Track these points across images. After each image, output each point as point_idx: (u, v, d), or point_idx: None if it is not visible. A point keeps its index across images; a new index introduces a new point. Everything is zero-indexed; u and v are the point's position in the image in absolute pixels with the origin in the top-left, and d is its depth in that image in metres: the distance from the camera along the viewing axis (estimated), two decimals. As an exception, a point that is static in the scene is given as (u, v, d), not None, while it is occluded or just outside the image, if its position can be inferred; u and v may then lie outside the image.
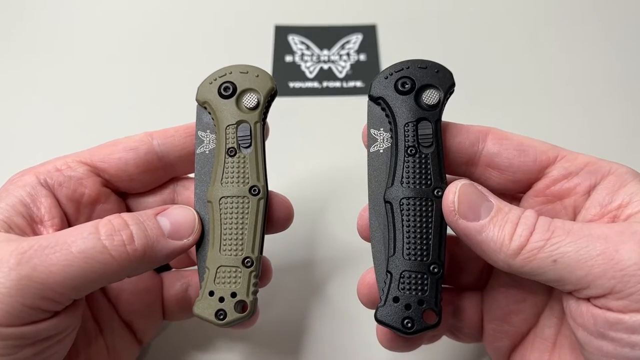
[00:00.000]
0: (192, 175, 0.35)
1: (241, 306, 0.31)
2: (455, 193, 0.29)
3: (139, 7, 0.64)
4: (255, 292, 0.31)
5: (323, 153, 0.52)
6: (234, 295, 0.31)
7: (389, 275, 0.30)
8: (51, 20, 0.63)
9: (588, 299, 0.26)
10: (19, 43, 0.61)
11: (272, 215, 0.34)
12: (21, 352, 0.27)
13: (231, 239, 0.31)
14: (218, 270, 0.31)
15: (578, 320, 0.27)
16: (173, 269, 0.40)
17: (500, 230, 0.27)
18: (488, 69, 0.58)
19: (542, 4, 0.64)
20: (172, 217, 0.31)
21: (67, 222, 0.32)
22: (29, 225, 0.30)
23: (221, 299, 0.31)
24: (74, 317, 0.29)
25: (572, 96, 0.56)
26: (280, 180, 0.49)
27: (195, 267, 0.40)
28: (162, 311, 0.38)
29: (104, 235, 0.28)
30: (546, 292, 0.33)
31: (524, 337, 0.34)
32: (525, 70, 0.58)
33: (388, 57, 0.60)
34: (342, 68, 0.59)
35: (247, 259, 0.31)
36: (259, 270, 0.32)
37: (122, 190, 0.35)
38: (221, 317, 0.30)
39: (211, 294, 0.31)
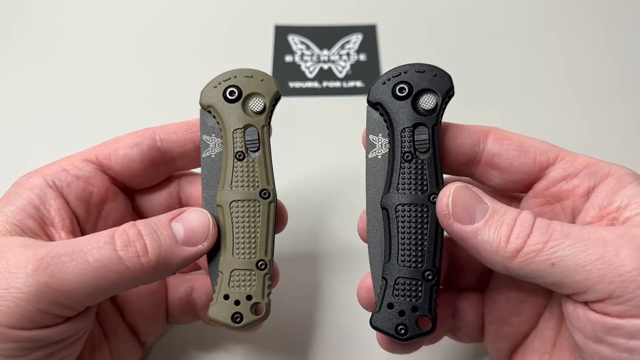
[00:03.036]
0: (195, 170, 0.35)
1: (255, 308, 0.31)
2: (449, 196, 0.29)
3: (140, 6, 0.64)
4: (269, 294, 0.32)
5: (323, 153, 0.52)
6: (249, 298, 0.31)
7: (384, 281, 0.30)
8: (51, 21, 0.63)
9: (586, 303, 0.26)
10: (18, 43, 0.61)
11: None
12: (33, 354, 0.27)
13: (244, 243, 0.32)
14: (232, 274, 0.31)
15: (576, 324, 0.27)
16: (176, 273, 0.40)
17: (496, 232, 0.27)
18: (488, 69, 0.58)
19: (543, 5, 0.64)
20: (186, 222, 0.31)
21: (77, 222, 0.32)
22: (41, 228, 0.30)
23: (237, 302, 0.31)
24: (86, 322, 0.29)
25: (572, 97, 0.56)
26: (280, 180, 0.49)
27: (199, 271, 0.40)
28: (166, 314, 0.38)
29: (120, 245, 0.28)
30: (546, 294, 0.33)
31: (524, 338, 0.34)
32: (525, 71, 0.58)
33: (388, 57, 0.59)
34: (342, 68, 0.59)
35: (261, 262, 0.32)
36: (272, 272, 0.32)
37: (127, 187, 0.36)
38: (237, 320, 0.31)
39: (226, 297, 0.31)
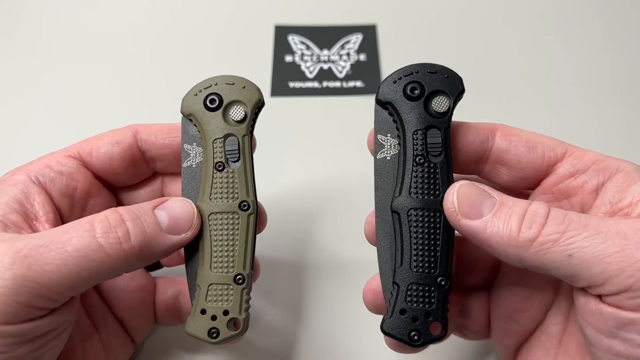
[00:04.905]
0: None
1: (233, 323, 0.31)
2: (453, 193, 0.28)
3: (139, 6, 0.64)
4: (247, 309, 0.31)
5: (323, 153, 0.52)
6: (226, 313, 0.30)
7: (395, 286, 0.30)
8: (47, 22, 0.62)
9: (599, 296, 0.26)
10: (11, 45, 0.60)
11: None
12: (20, 349, 0.27)
13: (222, 256, 0.31)
14: (209, 288, 0.31)
15: (587, 318, 0.27)
16: (164, 268, 0.40)
17: (505, 223, 0.27)
18: (488, 69, 0.58)
19: (544, 4, 0.64)
20: (170, 210, 0.31)
21: (60, 218, 0.32)
22: (25, 222, 0.30)
23: (213, 317, 0.30)
24: (70, 313, 0.29)
25: (575, 95, 0.56)
26: (279, 181, 0.49)
27: None
28: (154, 313, 0.38)
29: (99, 232, 0.28)
30: (553, 289, 0.32)
31: (531, 334, 0.34)
32: (526, 69, 0.58)
33: (388, 57, 0.59)
34: (342, 68, 0.59)
35: (239, 276, 0.31)
36: (251, 286, 0.31)
37: (110, 184, 0.35)
38: (214, 335, 0.30)
39: (203, 312, 0.31)
